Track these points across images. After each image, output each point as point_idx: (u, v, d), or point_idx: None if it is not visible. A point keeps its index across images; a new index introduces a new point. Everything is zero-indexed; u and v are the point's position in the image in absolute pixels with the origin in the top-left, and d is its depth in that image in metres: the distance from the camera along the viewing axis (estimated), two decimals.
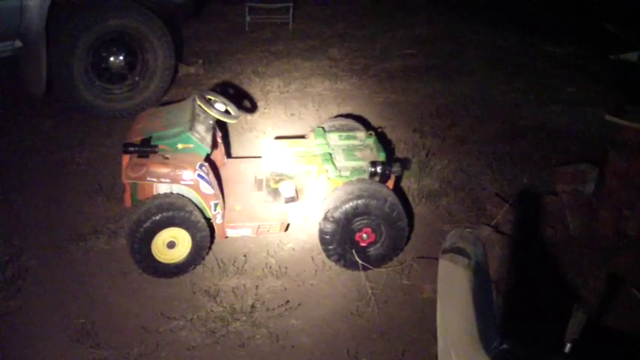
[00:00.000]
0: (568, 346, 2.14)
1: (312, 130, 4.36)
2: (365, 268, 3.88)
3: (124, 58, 5.62)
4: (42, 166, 4.97)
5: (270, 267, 3.99)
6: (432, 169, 5.06)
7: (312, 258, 4.09)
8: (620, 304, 3.82)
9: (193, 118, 3.89)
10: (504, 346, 2.05)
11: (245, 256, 4.07)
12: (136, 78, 5.70)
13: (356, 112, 5.84)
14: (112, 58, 5.57)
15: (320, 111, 5.96)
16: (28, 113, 5.69)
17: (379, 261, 3.97)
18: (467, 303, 1.66)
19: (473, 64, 7.41)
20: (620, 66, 6.78)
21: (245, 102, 6.09)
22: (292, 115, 5.91)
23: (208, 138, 3.92)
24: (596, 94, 6.65)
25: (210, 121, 3.96)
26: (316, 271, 4.00)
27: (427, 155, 5.22)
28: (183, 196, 3.80)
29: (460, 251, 1.71)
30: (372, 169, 3.91)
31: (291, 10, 8.28)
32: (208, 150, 3.88)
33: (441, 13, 9.11)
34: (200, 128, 3.89)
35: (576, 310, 2.20)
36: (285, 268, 4.01)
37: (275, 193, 4.04)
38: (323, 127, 4.38)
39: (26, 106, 5.75)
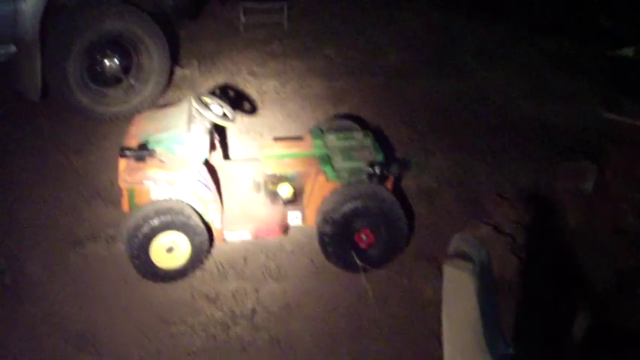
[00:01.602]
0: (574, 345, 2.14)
1: (310, 131, 4.34)
2: (365, 270, 3.87)
3: (120, 61, 5.59)
4: (40, 169, 4.94)
5: (270, 270, 3.97)
6: (430, 167, 5.05)
7: (312, 260, 4.07)
8: (625, 301, 3.80)
9: (190, 121, 3.86)
10: (510, 350, 2.04)
11: (244, 259, 4.06)
12: (132, 81, 5.67)
13: (353, 112, 5.82)
14: (107, 62, 5.54)
15: (317, 111, 5.94)
16: (26, 117, 5.65)
17: (379, 262, 3.96)
18: (472, 308, 1.65)
19: (468, 59, 7.38)
20: (616, 61, 6.76)
21: (241, 103, 6.07)
22: (289, 116, 5.89)
23: (205, 141, 3.90)
24: (591, 89, 6.63)
25: (207, 124, 3.94)
26: (316, 273, 3.99)
27: (425, 154, 5.20)
28: (181, 200, 3.78)
29: (464, 256, 1.70)
30: (371, 170, 3.90)
31: (286, 10, 8.26)
32: (206, 153, 3.86)
33: (434, 8, 9.08)
34: (197, 131, 3.87)
35: (580, 309, 2.20)
36: (285, 270, 3.99)
37: (273, 195, 4.02)
38: (320, 128, 4.36)
39: (24, 110, 5.72)
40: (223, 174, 4.34)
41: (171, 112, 4.14)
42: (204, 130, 3.92)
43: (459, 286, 1.68)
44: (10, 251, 4.05)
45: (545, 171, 5.00)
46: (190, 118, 3.89)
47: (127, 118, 5.39)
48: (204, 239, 3.79)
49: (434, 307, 3.74)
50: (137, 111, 5.48)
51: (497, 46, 7.75)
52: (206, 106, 3.85)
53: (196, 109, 3.85)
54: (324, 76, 6.76)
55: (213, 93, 4.21)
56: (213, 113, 3.83)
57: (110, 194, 4.59)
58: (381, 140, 4.56)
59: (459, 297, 1.68)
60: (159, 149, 3.75)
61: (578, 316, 2.16)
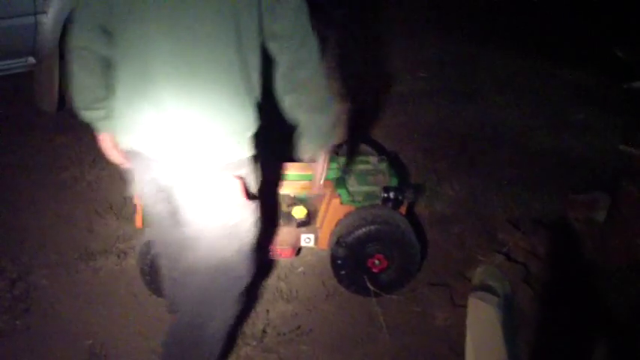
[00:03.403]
0: None
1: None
2: (376, 294, 3.85)
3: None
4: (52, 182, 4.95)
5: (281, 291, 3.95)
6: (443, 194, 5.04)
7: (323, 282, 4.05)
8: None
9: None
10: None
11: (255, 279, 4.04)
12: None
13: (368, 136, 5.82)
14: None
15: None
16: (40, 129, 5.68)
17: (391, 287, 3.93)
18: (499, 341, 1.64)
19: (483, 88, 7.40)
20: (633, 94, 6.77)
21: None
22: None
23: None
24: (607, 121, 6.63)
25: None
26: (327, 295, 3.96)
27: (438, 180, 5.20)
28: None
29: (489, 289, 1.70)
30: (385, 195, 3.88)
31: None
32: None
33: (451, 36, 9.12)
34: None
35: (600, 339, 2.18)
36: (296, 292, 3.98)
37: (287, 216, 4.01)
38: (335, 151, 4.35)
39: (38, 123, 5.74)
40: None
41: None
42: None
43: (485, 319, 1.67)
44: (21, 263, 4.04)
45: (559, 201, 4.99)
46: None
47: None
48: None
49: (445, 334, 3.72)
50: None
51: (514, 77, 7.77)
52: None
53: None
54: (340, 99, 6.77)
55: None
56: None
57: (123, 209, 4.60)
58: (395, 165, 4.56)
59: (485, 330, 1.68)
60: None
61: (598, 346, 2.13)
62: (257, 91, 2.55)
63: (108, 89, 2.57)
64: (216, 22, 2.33)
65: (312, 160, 2.91)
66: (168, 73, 2.37)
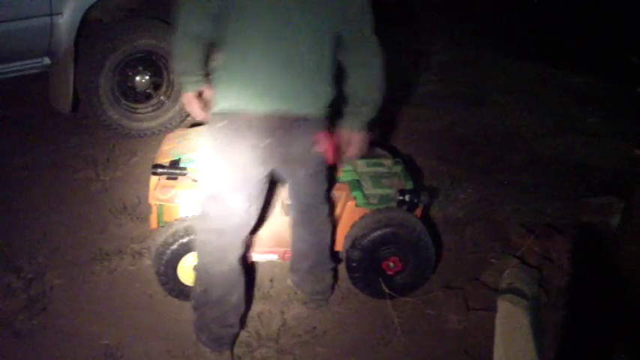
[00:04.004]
0: None
1: None
2: (391, 297, 3.85)
3: (150, 77, 5.62)
4: (66, 183, 4.97)
5: (296, 293, 3.94)
6: (456, 197, 5.04)
7: (338, 285, 4.05)
8: None
9: None
10: None
11: (271, 281, 4.05)
12: (162, 97, 5.69)
13: (380, 139, 5.82)
14: (138, 78, 5.57)
15: None
16: (54, 130, 5.70)
17: (405, 290, 3.94)
18: (529, 343, 1.65)
19: (493, 93, 7.40)
20: None
21: None
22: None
23: None
24: (617, 127, 6.63)
25: None
26: (342, 298, 3.97)
27: (451, 184, 5.19)
28: None
29: (519, 292, 1.70)
30: (401, 198, 3.88)
31: None
32: None
33: (461, 40, 9.11)
34: None
35: (613, 346, 2.18)
36: None
37: None
38: None
39: (52, 123, 5.76)
40: None
41: (204, 130, 4.15)
42: None
43: (514, 321, 1.68)
44: (36, 263, 4.06)
45: (572, 206, 4.99)
46: None
47: (155, 135, 5.44)
48: None
49: (459, 337, 3.72)
50: (166, 127, 5.53)
51: (525, 82, 7.75)
52: None
53: None
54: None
55: None
56: None
57: (137, 210, 4.61)
58: (410, 168, 4.56)
59: (515, 332, 1.68)
60: (191, 168, 3.76)
61: (613, 351, 2.13)
62: (335, 62, 3.08)
63: (203, 62, 3.08)
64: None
65: (349, 134, 3.33)
66: (269, 41, 2.85)
